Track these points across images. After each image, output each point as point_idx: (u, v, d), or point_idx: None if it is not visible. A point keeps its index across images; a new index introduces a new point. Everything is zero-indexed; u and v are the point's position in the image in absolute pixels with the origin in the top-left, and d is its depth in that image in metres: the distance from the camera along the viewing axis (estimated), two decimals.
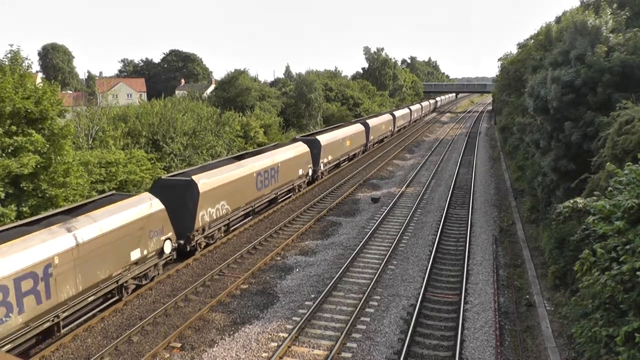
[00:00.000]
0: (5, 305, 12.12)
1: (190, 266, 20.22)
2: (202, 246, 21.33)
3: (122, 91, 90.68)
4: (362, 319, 15.65)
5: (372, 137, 50.91)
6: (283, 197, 29.94)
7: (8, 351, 12.54)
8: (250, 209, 25.44)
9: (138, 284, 17.39)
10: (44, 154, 17.87)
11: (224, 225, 23.03)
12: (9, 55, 19.05)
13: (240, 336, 14.60)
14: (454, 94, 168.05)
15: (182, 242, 19.73)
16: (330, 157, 37.64)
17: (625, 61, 18.90)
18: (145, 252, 17.17)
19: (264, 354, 13.64)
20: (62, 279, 13.77)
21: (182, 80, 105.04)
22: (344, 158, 42.24)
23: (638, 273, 7.98)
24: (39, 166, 17.56)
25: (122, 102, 60.45)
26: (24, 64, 19.10)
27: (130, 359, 13.52)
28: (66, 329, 14.62)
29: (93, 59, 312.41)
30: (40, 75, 79.93)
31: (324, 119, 62.99)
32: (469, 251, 21.58)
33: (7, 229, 13.94)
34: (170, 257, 19.03)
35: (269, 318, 15.74)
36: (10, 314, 12.30)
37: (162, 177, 21.56)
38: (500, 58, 50.22)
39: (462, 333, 14.62)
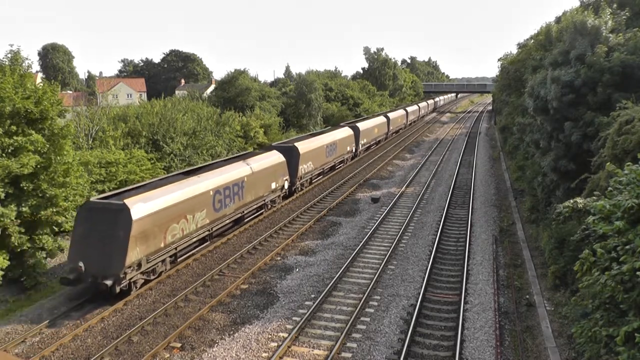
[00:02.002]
0: (230, 197, 22.99)
1: (190, 266, 20.23)
2: (299, 189, 32.43)
3: (122, 91, 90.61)
4: (362, 319, 15.65)
5: (391, 128, 62.33)
6: (338, 166, 41.24)
7: (227, 223, 23.37)
8: (322, 170, 36.70)
9: (272, 205, 28.21)
10: (44, 154, 17.83)
11: (310, 178, 34.33)
12: (9, 55, 19.00)
13: (240, 336, 14.60)
14: (454, 94, 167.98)
15: (290, 184, 30.45)
16: (365, 140, 49.08)
17: (625, 61, 18.89)
18: (276, 185, 28.16)
19: (264, 354, 13.65)
20: (246, 190, 24.62)
21: (182, 80, 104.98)
22: (373, 142, 53.69)
23: (638, 273, 7.98)
24: (39, 166, 17.52)
25: (122, 102, 60.35)
26: (24, 64, 19.03)
27: (130, 359, 13.53)
28: (245, 220, 25.35)
29: (93, 59, 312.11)
30: (40, 75, 79.88)
31: (324, 119, 62.97)
32: (469, 251, 21.57)
33: (216, 162, 26.04)
34: (285, 192, 29.89)
35: (269, 318, 15.74)
36: (230, 203, 23.06)
37: (272, 144, 33.40)
38: (500, 58, 50.29)
39: (462, 333, 14.62)
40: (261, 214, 26.93)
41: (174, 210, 18.79)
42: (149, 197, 17.96)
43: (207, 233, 21.45)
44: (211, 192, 21.41)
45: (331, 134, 39.48)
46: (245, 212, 24.89)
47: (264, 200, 26.79)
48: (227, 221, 23.21)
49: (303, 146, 32.62)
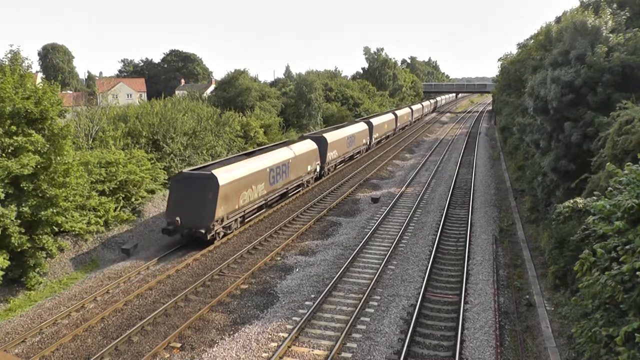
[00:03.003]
0: (280, 174, 28.06)
1: (190, 266, 20.24)
2: (326, 173, 38.00)
3: (122, 91, 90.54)
4: (362, 319, 15.65)
5: (399, 124, 68.32)
6: (355, 156, 46.79)
7: (276, 196, 28.43)
8: (343, 159, 42.43)
9: (307, 184, 33.51)
10: (44, 154, 17.83)
11: (334, 165, 39.93)
12: (9, 55, 18.99)
13: (240, 336, 14.60)
14: (454, 94, 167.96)
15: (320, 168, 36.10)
16: (377, 134, 54.21)
17: (625, 61, 18.88)
18: (310, 168, 33.61)
19: (264, 354, 13.65)
20: (290, 169, 29.66)
21: (182, 80, 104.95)
22: (384, 136, 59.13)
23: (638, 273, 7.98)
24: (39, 166, 17.52)
25: (122, 102, 60.21)
26: (24, 64, 19.03)
27: (130, 359, 13.53)
28: (288, 196, 30.64)
29: (93, 59, 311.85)
30: (40, 75, 79.86)
31: (323, 119, 62.93)
32: (469, 251, 21.57)
33: (267, 147, 32.41)
34: (317, 175, 35.54)
35: (269, 318, 15.74)
36: (280, 179, 28.16)
37: (305, 135, 39.67)
38: (500, 58, 50.31)
39: (462, 333, 14.62)
40: (299, 191, 32.33)
41: (244, 181, 24.09)
42: (228, 169, 23.40)
43: (263, 202, 26.74)
44: (267, 169, 26.65)
45: (351, 128, 45.00)
46: (289, 188, 30.12)
47: (302, 180, 32.18)
48: (277, 194, 28.41)
49: (330, 137, 38.14)
